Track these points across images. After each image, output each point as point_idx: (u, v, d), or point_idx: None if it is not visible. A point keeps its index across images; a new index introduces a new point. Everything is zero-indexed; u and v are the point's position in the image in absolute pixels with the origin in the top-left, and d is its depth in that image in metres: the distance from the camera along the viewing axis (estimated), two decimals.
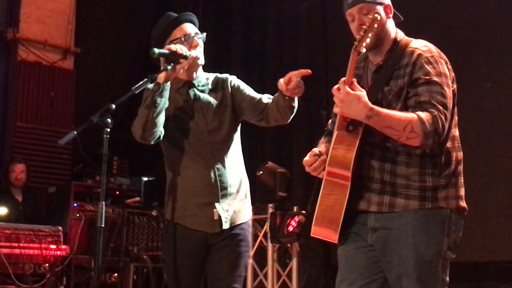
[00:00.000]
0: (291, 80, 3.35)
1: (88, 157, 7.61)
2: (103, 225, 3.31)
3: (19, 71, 8.84)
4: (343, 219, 2.91)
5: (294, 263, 6.61)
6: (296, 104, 3.57)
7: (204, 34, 3.76)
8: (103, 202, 3.32)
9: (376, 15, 2.83)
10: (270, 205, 6.63)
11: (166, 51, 3.52)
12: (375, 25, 2.82)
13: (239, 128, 3.84)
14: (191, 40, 3.68)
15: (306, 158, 3.05)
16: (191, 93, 3.76)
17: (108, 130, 3.31)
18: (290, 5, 8.38)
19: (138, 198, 7.93)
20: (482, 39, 6.40)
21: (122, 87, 8.82)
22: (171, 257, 3.69)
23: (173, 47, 3.54)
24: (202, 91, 3.78)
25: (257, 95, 3.76)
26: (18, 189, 7.74)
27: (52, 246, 6.95)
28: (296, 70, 3.26)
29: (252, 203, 6.69)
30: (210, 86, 3.81)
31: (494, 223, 6.09)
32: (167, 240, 3.75)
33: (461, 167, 3.00)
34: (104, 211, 3.31)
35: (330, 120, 3.27)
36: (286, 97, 3.49)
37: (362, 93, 2.79)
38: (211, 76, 3.87)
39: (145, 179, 8.26)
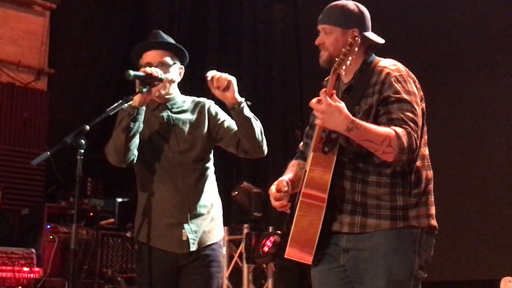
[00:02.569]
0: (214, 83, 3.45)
1: (61, 178, 7.54)
2: (76, 247, 3.28)
3: None
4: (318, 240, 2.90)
5: (269, 283, 6.59)
6: (248, 112, 3.57)
7: (172, 61, 3.74)
8: (75, 224, 3.29)
9: (357, 38, 2.84)
10: (246, 225, 6.62)
11: (142, 74, 3.51)
12: (356, 49, 2.83)
13: (212, 151, 3.84)
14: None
15: (273, 189, 3.03)
16: (165, 114, 3.75)
17: (82, 151, 3.29)
18: (264, 27, 8.44)
19: (112, 220, 7.87)
20: (461, 56, 6.49)
21: (96, 108, 8.80)
22: (144, 279, 3.66)
23: (149, 69, 3.53)
24: (176, 113, 3.77)
25: (235, 126, 3.72)
26: None
27: (25, 269, 6.87)
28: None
29: (227, 224, 6.68)
30: (185, 108, 3.80)
31: (467, 241, 6.14)
32: (139, 262, 3.73)
33: (431, 186, 3.02)
34: (78, 233, 3.28)
35: (302, 142, 3.28)
36: (233, 110, 3.53)
37: (343, 104, 2.79)
38: (188, 98, 3.87)
39: (119, 200, 8.22)
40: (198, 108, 3.82)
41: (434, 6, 6.72)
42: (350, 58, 2.82)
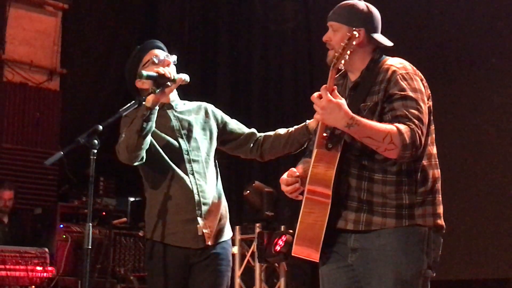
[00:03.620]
0: None
1: (74, 178, 7.58)
2: (89, 247, 3.30)
3: (5, 92, 8.83)
4: (325, 238, 2.90)
5: (282, 282, 6.59)
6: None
7: (175, 56, 3.79)
8: (90, 224, 3.31)
9: (354, 32, 2.85)
10: (257, 224, 6.62)
11: (154, 74, 3.54)
12: (354, 43, 2.84)
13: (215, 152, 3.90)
14: (162, 60, 3.72)
15: (284, 176, 3.05)
16: (171, 114, 3.80)
17: (95, 151, 3.31)
18: (275, 26, 8.43)
19: (124, 219, 7.89)
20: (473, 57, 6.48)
21: (108, 107, 8.82)
22: (158, 278, 3.68)
23: (161, 70, 3.57)
24: (181, 113, 3.83)
25: (245, 128, 3.88)
26: (4, 212, 7.69)
27: (39, 268, 6.91)
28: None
29: (239, 223, 6.70)
30: (188, 109, 3.87)
31: (477, 241, 6.12)
32: (150, 260, 3.75)
33: (438, 185, 3.00)
34: (91, 232, 3.30)
35: (310, 140, 3.29)
36: (308, 131, 3.65)
37: (343, 101, 2.80)
38: (187, 102, 3.93)
39: (132, 199, 8.23)
40: (202, 110, 3.89)
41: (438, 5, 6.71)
42: (348, 52, 2.83)
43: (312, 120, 3.60)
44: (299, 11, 8.25)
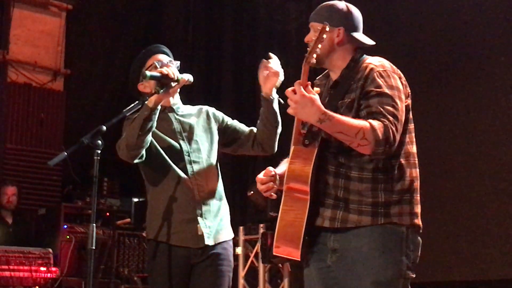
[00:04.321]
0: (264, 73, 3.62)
1: (78, 178, 7.59)
2: (93, 247, 3.30)
3: (9, 93, 8.85)
4: (306, 239, 2.89)
5: (285, 283, 6.60)
6: (276, 108, 3.69)
7: (178, 62, 3.80)
8: (94, 224, 3.31)
9: (324, 25, 2.85)
10: (261, 225, 6.63)
11: (158, 74, 3.55)
12: (324, 36, 2.85)
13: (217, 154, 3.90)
14: (164, 65, 3.72)
15: (261, 175, 3.07)
16: (172, 117, 3.82)
17: (99, 151, 3.31)
18: (279, 26, 8.43)
19: (128, 219, 7.91)
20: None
21: (112, 108, 8.83)
22: (161, 278, 3.68)
23: (165, 70, 3.58)
24: (182, 116, 3.86)
25: (245, 127, 3.90)
26: (8, 212, 7.71)
27: (42, 269, 6.91)
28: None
29: (243, 223, 6.70)
30: (190, 112, 3.89)
31: (485, 240, 6.10)
32: (151, 260, 3.75)
33: (416, 184, 2.99)
34: (95, 233, 3.30)
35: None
36: (265, 99, 3.66)
37: (316, 96, 2.81)
38: (188, 106, 3.95)
39: (136, 200, 8.25)
40: (202, 113, 3.91)
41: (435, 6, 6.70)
42: (319, 46, 2.84)
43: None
44: (303, 11, 8.25)
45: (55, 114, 9.15)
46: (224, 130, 3.90)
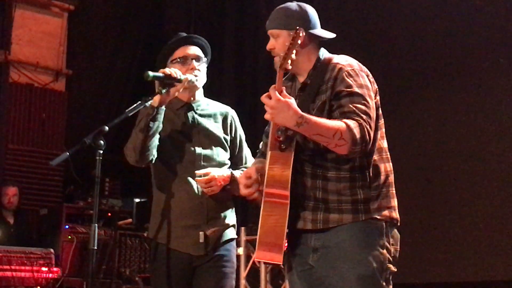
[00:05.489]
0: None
1: (79, 178, 7.59)
2: (95, 248, 3.29)
3: (11, 93, 8.86)
4: (288, 242, 2.92)
5: (287, 284, 6.58)
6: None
7: (205, 58, 3.78)
8: (96, 224, 3.31)
9: (298, 31, 2.86)
10: None
11: (160, 74, 3.52)
12: (299, 41, 2.85)
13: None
14: (188, 63, 3.70)
15: (243, 180, 3.06)
16: (190, 115, 3.77)
17: (101, 152, 3.30)
18: None
19: (130, 220, 7.90)
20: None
21: (114, 108, 8.84)
22: (161, 280, 3.67)
23: (168, 70, 3.55)
24: (200, 115, 3.80)
25: (243, 159, 3.86)
26: (9, 212, 7.72)
27: (44, 269, 6.92)
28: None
29: (245, 224, 6.68)
30: (210, 112, 3.83)
31: (489, 241, 6.10)
32: (153, 261, 3.74)
33: (391, 178, 3.03)
34: (96, 233, 3.30)
35: (262, 142, 3.29)
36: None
37: (292, 100, 2.81)
38: (212, 102, 3.90)
39: (137, 200, 8.25)
40: (223, 116, 3.85)
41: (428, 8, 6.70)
42: (294, 51, 2.85)
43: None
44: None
45: (57, 115, 9.16)
46: (233, 146, 3.85)
